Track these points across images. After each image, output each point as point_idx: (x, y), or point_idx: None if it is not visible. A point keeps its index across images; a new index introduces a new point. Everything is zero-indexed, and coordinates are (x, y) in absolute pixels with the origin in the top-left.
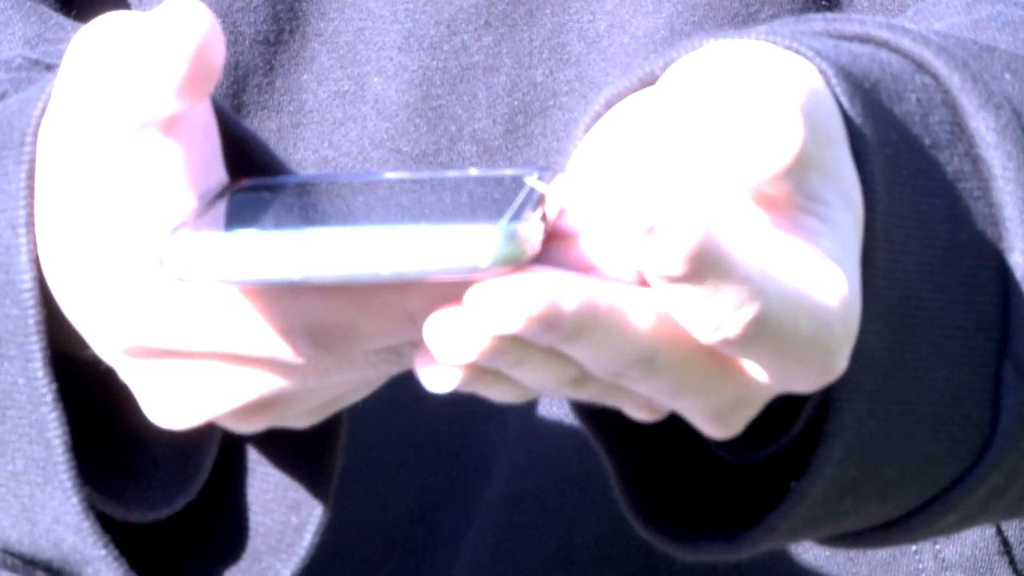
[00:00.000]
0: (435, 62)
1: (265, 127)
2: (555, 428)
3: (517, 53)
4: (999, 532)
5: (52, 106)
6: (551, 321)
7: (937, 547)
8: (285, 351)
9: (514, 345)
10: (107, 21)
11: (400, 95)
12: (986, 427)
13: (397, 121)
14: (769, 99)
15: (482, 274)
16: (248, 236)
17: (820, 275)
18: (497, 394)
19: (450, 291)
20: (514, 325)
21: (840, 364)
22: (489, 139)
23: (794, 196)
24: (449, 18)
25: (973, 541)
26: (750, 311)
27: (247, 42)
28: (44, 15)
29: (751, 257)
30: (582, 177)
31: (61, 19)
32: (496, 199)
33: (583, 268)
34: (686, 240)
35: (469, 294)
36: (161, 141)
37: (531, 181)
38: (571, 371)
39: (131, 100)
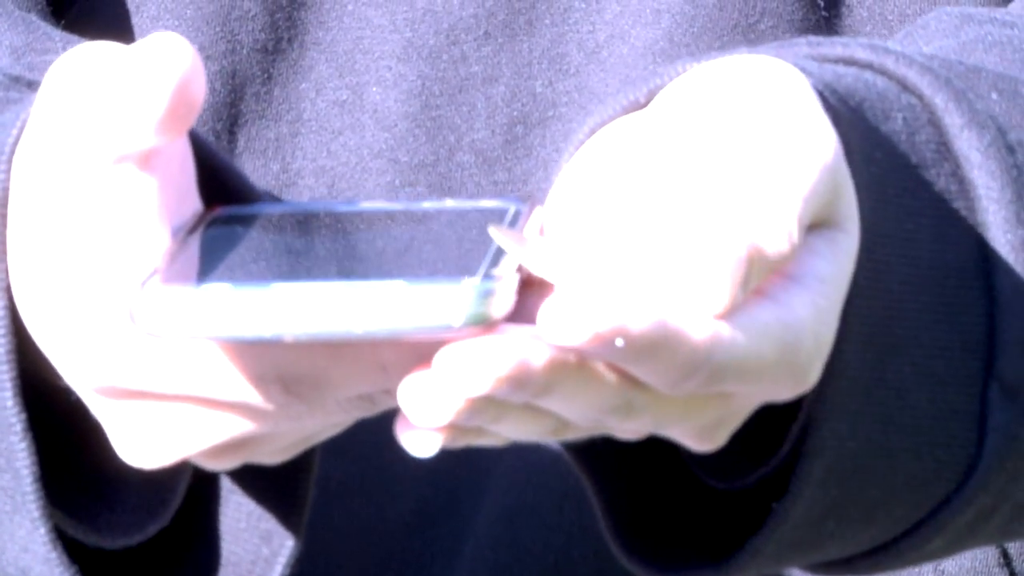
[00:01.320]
0: (434, 72)
1: (263, 136)
2: (552, 443)
3: (516, 63)
4: (999, 544)
5: (28, 133)
6: (521, 380)
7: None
8: (257, 398)
9: (489, 404)
10: (88, 51)
11: (399, 105)
12: (972, 448)
13: (396, 131)
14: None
15: (455, 333)
16: (218, 292)
17: (781, 300)
18: (482, 442)
19: (427, 343)
20: (484, 386)
21: (813, 375)
22: (488, 149)
23: (818, 227)
24: (448, 28)
25: (973, 554)
26: (706, 368)
27: (245, 51)
28: (32, 24)
29: (703, 318)
30: (545, 245)
31: (49, 29)
32: (472, 243)
33: None
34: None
35: (438, 357)
36: (136, 175)
37: (496, 235)
38: (551, 422)
39: (109, 134)
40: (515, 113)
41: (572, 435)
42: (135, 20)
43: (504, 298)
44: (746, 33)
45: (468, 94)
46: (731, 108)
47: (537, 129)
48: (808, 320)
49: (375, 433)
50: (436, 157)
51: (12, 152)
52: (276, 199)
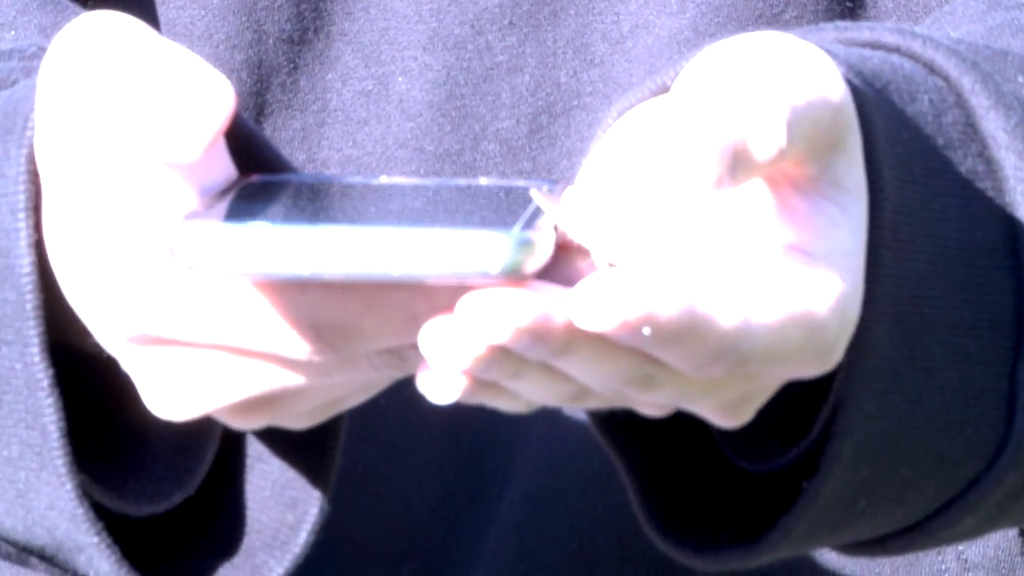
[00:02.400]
0: (459, 62)
1: (289, 126)
2: (578, 427)
3: (541, 53)
4: (1022, 533)
5: (45, 90)
6: (540, 335)
7: (960, 548)
8: (289, 346)
9: (507, 357)
10: (119, 27)
11: (424, 95)
12: (1001, 427)
13: (421, 120)
14: (761, 89)
15: (491, 280)
16: (260, 229)
17: (809, 284)
18: (502, 405)
19: (457, 295)
20: (504, 335)
21: (838, 353)
22: (513, 139)
23: (819, 182)
24: (473, 18)
25: (996, 542)
26: (732, 355)
27: (271, 41)
28: (60, 4)
29: (732, 306)
30: (580, 207)
31: (77, 9)
32: (509, 207)
33: None
34: (663, 320)
35: (461, 303)
36: None
37: (536, 195)
38: (570, 387)
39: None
40: (540, 103)
41: (592, 404)
42: (161, 10)
43: (540, 252)
44: (771, 23)
45: (493, 84)
46: (743, 62)
47: (561, 119)
48: (835, 302)
49: (400, 419)
50: (461, 147)
51: (30, 114)
52: (310, 173)
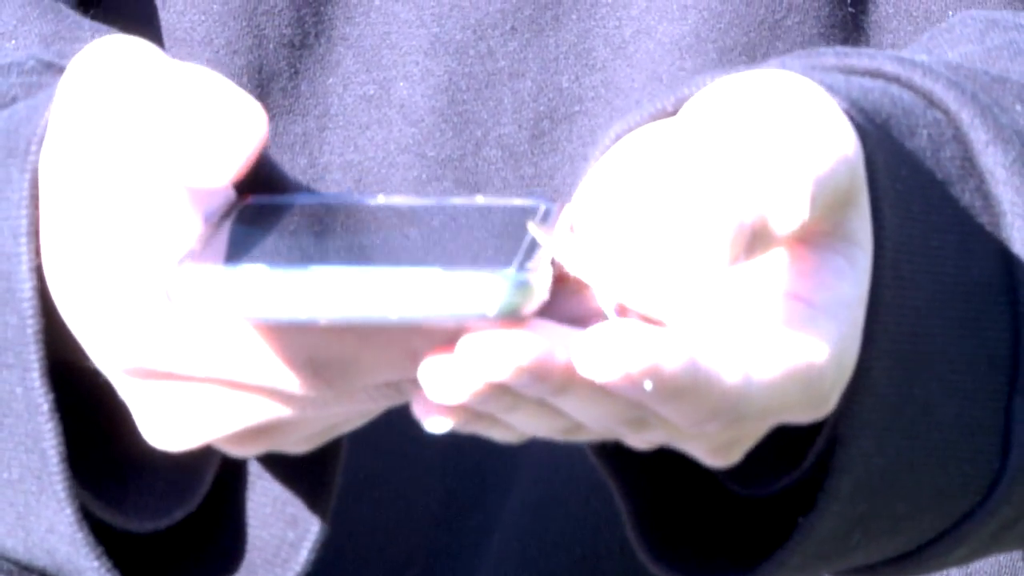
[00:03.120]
0: (461, 67)
1: (290, 131)
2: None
3: (543, 59)
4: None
5: (60, 118)
6: (540, 375)
7: None
8: (286, 382)
9: (505, 393)
10: (124, 48)
11: (426, 100)
12: (996, 461)
13: (423, 126)
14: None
15: (488, 323)
16: (255, 272)
17: (810, 338)
18: (496, 435)
19: (456, 331)
20: (504, 374)
21: (832, 401)
22: (514, 144)
23: (831, 236)
24: (475, 23)
25: None
26: (730, 414)
27: (271, 46)
28: (61, 13)
29: (734, 363)
30: (578, 241)
31: (78, 17)
32: (506, 237)
33: (591, 315)
34: (664, 371)
35: (462, 341)
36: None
37: (534, 230)
38: (564, 422)
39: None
40: (541, 108)
41: (584, 438)
42: (162, 14)
43: (538, 291)
44: (772, 29)
45: (495, 89)
46: (753, 112)
47: (563, 124)
48: (832, 353)
49: (403, 425)
50: (463, 152)
51: (43, 135)
52: (308, 189)
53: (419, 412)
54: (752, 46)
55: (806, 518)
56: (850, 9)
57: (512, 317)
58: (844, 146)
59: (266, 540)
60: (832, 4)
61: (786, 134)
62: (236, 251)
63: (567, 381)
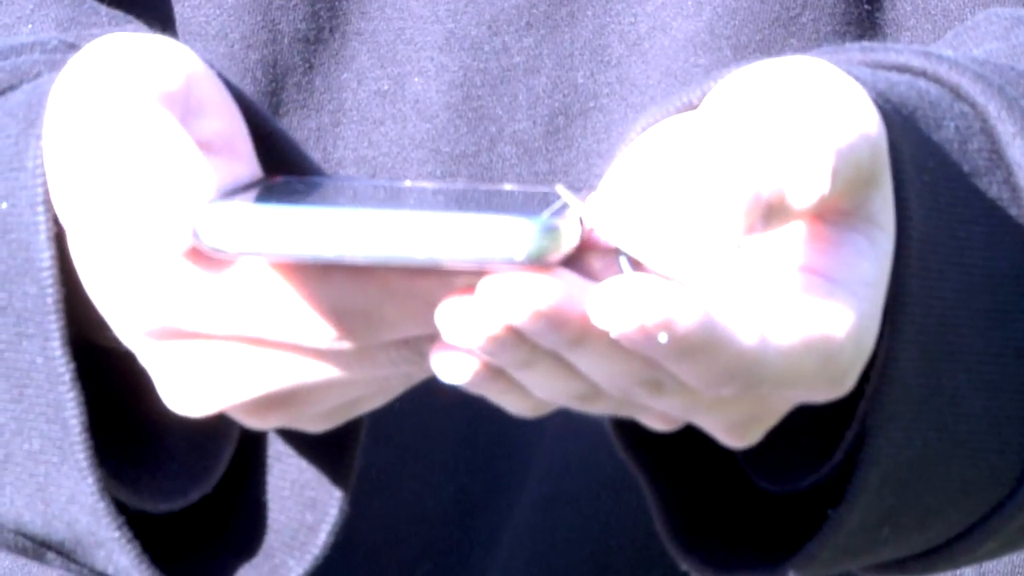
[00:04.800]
0: (476, 63)
1: (304, 126)
2: (591, 432)
3: (558, 55)
4: None
5: (71, 84)
6: (557, 321)
7: None
8: (310, 333)
9: (521, 342)
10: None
11: (440, 95)
12: None
13: (437, 121)
14: (806, 135)
15: (516, 266)
16: (285, 210)
17: (828, 311)
18: (510, 402)
19: (477, 281)
20: (521, 317)
21: (850, 380)
22: (529, 140)
23: (852, 216)
24: (490, 19)
25: None
26: (745, 377)
27: (286, 40)
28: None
29: (751, 325)
30: (606, 211)
31: (95, 3)
32: (536, 201)
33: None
34: (678, 326)
35: (481, 284)
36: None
37: (562, 190)
38: (580, 385)
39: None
40: (556, 104)
41: (600, 406)
42: (177, 8)
43: (566, 240)
44: (787, 26)
45: (510, 85)
46: (776, 92)
47: (578, 120)
48: (851, 329)
49: (415, 422)
50: (477, 148)
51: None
52: (336, 175)
53: (436, 363)
54: (767, 43)
55: (835, 511)
56: (866, 6)
57: (539, 263)
58: (866, 124)
59: (284, 523)
60: (848, 1)
61: (808, 110)
62: (264, 196)
63: (583, 332)
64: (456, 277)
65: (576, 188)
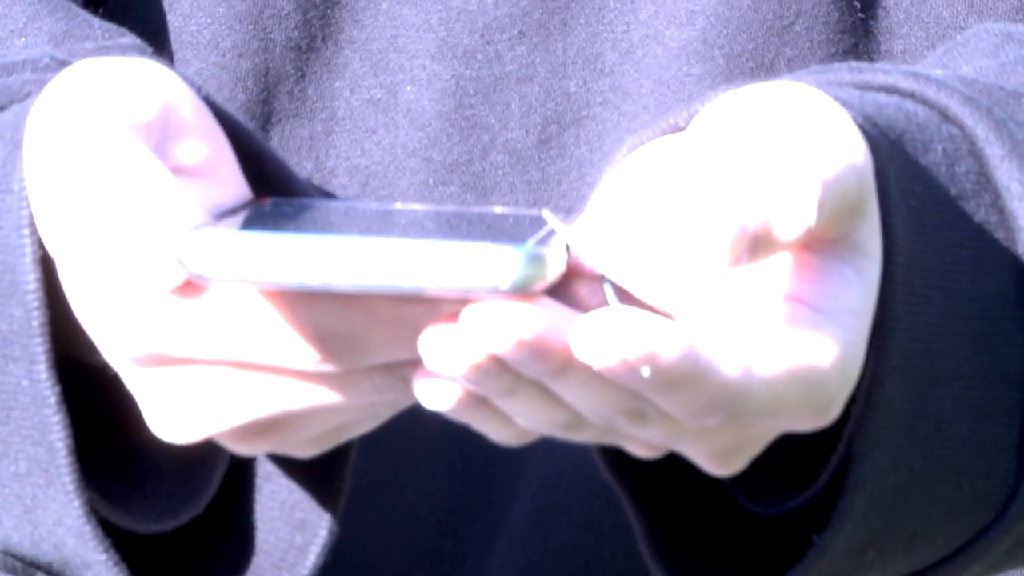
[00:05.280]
0: (468, 71)
1: (296, 134)
2: (583, 443)
3: (551, 63)
4: None
5: (46, 112)
6: (540, 350)
7: None
8: (293, 356)
9: (504, 371)
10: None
11: (433, 104)
12: (1011, 478)
13: (430, 130)
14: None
15: (500, 295)
16: (271, 238)
17: (813, 340)
18: (493, 430)
19: (461, 308)
20: (504, 346)
21: (834, 412)
22: (522, 149)
23: (839, 245)
24: (483, 27)
25: None
26: (729, 408)
27: (278, 49)
28: (71, 11)
29: (734, 356)
30: (592, 239)
31: (88, 16)
32: (521, 228)
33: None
34: (662, 359)
35: (465, 313)
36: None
37: (548, 216)
38: (562, 414)
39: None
40: (549, 113)
41: (584, 435)
42: (168, 17)
43: (551, 269)
44: (780, 35)
45: (502, 93)
46: (762, 119)
47: (571, 129)
48: (836, 359)
49: (407, 432)
50: (470, 156)
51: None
52: (326, 195)
53: (419, 389)
54: (760, 52)
55: (820, 536)
56: (859, 15)
57: (524, 292)
58: (852, 153)
59: (273, 544)
60: (841, 10)
61: (794, 139)
62: (251, 222)
63: (566, 362)
64: (442, 304)
65: (567, 202)
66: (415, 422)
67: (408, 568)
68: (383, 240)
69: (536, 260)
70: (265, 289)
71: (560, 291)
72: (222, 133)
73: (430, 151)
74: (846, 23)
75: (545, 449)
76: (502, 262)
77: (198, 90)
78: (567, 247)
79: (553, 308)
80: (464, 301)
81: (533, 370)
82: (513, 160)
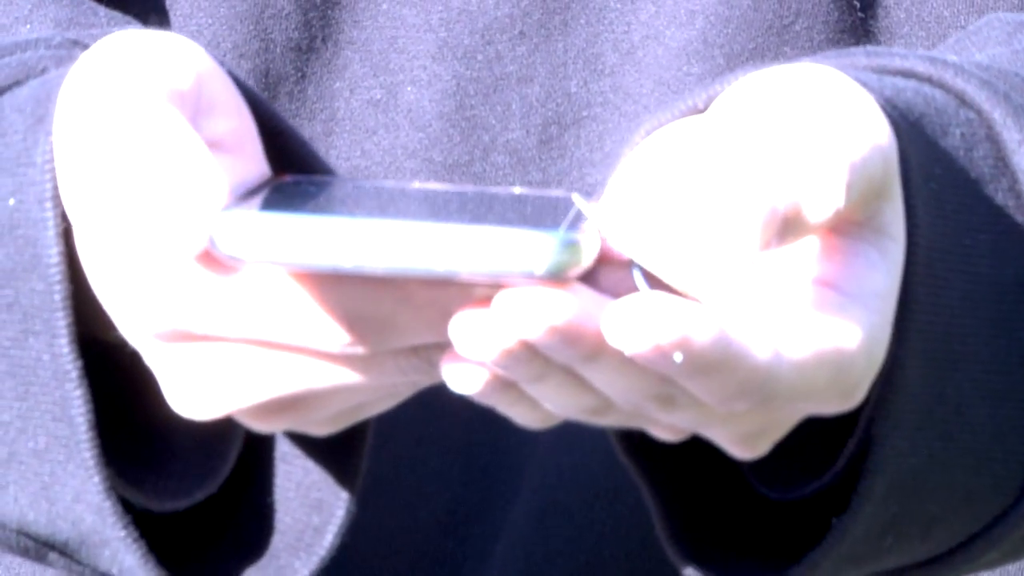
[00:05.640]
0: (469, 72)
1: None
2: (585, 442)
3: (551, 63)
4: None
5: (82, 82)
6: (572, 337)
7: None
8: (323, 337)
9: (534, 356)
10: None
11: (433, 104)
12: None
13: (430, 131)
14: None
15: (534, 280)
16: (304, 220)
17: (840, 324)
18: (519, 414)
19: (494, 293)
20: (535, 333)
21: (861, 392)
22: (522, 150)
23: (864, 227)
24: (483, 28)
25: None
26: (759, 393)
27: (278, 49)
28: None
29: (764, 340)
30: (622, 224)
31: (92, 4)
32: (551, 210)
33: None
34: (694, 344)
35: (497, 298)
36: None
37: (578, 200)
38: (591, 399)
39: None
40: (550, 113)
41: (611, 420)
42: (169, 17)
43: (585, 255)
44: (781, 34)
45: (503, 94)
46: (787, 101)
47: (572, 129)
48: (863, 342)
49: (409, 431)
50: (470, 157)
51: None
52: (343, 174)
53: (447, 372)
54: (760, 51)
55: (839, 519)
56: (859, 14)
57: (558, 277)
58: (878, 135)
59: (290, 524)
60: (841, 9)
61: (820, 122)
62: (281, 203)
63: (597, 348)
64: (473, 288)
65: (588, 194)
66: (416, 422)
67: (409, 569)
68: (418, 224)
69: (571, 246)
70: (297, 271)
71: (591, 276)
72: (248, 110)
73: (430, 152)
74: (846, 23)
75: (545, 449)
76: (538, 248)
77: (224, 66)
78: (599, 232)
79: (584, 293)
80: (496, 286)
81: (564, 356)
82: (514, 161)
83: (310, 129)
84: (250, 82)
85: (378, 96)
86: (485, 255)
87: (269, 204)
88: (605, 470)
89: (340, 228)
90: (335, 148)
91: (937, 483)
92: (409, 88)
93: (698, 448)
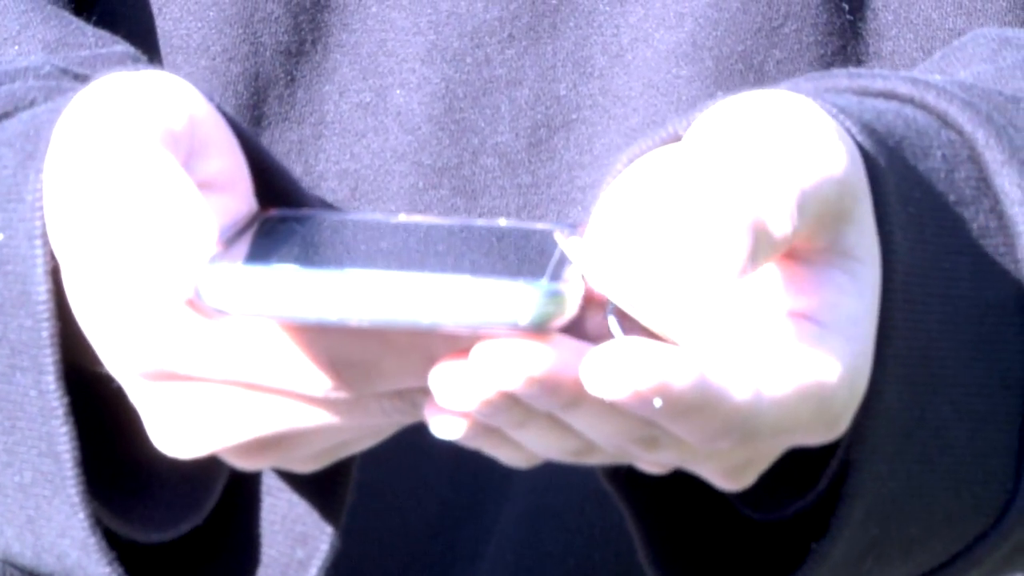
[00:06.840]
0: (458, 75)
1: (286, 138)
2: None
3: (540, 66)
4: None
5: (76, 122)
6: (551, 387)
7: None
8: (305, 383)
9: (515, 405)
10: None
11: (423, 107)
12: (1009, 483)
13: (419, 134)
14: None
15: (518, 331)
16: (288, 272)
17: (819, 356)
18: (504, 455)
19: (478, 340)
20: (515, 383)
21: (844, 424)
22: (512, 152)
23: (828, 252)
24: (472, 31)
25: None
26: (741, 431)
27: (268, 53)
28: (64, 19)
29: (744, 379)
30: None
31: (81, 24)
32: (535, 252)
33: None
34: (673, 389)
35: (476, 348)
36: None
37: (561, 241)
38: (574, 442)
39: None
40: (539, 116)
41: (596, 460)
42: (159, 21)
43: (569, 305)
44: (769, 36)
45: (492, 97)
46: (750, 131)
47: (561, 132)
48: (844, 372)
49: (399, 436)
50: (460, 160)
51: (47, 145)
52: (327, 205)
53: (430, 420)
54: (749, 54)
55: (819, 544)
56: (848, 16)
57: (542, 328)
58: (832, 166)
59: (274, 557)
60: (830, 11)
61: (777, 151)
62: (267, 253)
63: (577, 395)
64: (458, 336)
65: (557, 206)
66: (407, 428)
67: (399, 571)
68: (401, 275)
69: (555, 297)
70: (283, 323)
71: (577, 322)
72: (239, 149)
73: (420, 155)
74: (835, 25)
75: None
76: (521, 300)
77: (216, 105)
78: (583, 278)
79: (563, 342)
80: (481, 335)
81: (544, 404)
82: (503, 163)
83: (299, 132)
84: (239, 86)
85: (367, 99)
86: (468, 307)
87: (254, 255)
88: (595, 473)
89: (324, 282)
90: (324, 151)
91: (917, 506)
92: (398, 91)
93: (681, 472)
